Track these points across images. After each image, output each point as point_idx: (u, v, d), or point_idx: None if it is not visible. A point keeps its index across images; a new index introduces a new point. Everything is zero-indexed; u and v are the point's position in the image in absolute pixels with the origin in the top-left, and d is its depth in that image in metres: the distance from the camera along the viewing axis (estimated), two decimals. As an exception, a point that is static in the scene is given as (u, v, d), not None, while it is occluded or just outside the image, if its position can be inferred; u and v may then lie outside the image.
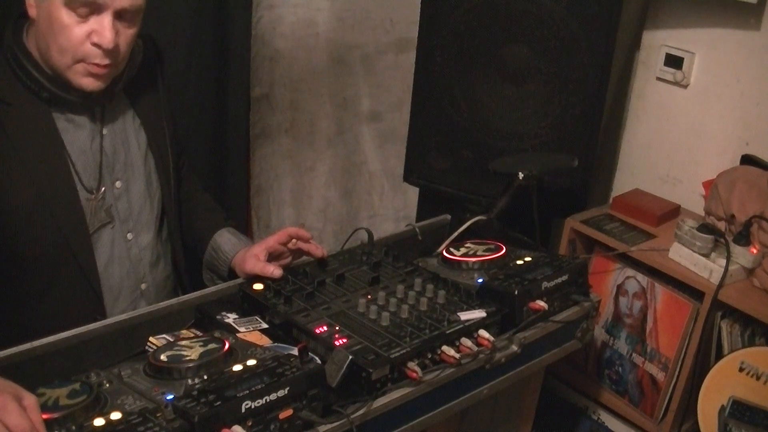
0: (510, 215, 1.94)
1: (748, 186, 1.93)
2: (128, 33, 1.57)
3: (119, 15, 1.54)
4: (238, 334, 1.45)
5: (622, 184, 2.43)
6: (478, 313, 1.53)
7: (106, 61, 1.55)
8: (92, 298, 1.66)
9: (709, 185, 2.08)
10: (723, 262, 1.85)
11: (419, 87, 2.23)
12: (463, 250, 1.81)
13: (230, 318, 1.53)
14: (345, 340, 1.42)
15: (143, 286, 1.76)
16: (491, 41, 2.08)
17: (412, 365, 1.39)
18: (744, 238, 1.88)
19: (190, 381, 1.27)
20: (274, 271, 1.62)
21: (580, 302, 1.70)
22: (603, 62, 2.01)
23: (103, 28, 1.52)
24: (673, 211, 2.19)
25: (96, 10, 1.51)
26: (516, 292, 1.57)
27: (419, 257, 1.85)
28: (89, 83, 1.57)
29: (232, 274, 1.74)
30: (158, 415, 1.15)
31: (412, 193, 2.63)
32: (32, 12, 1.55)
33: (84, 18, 1.52)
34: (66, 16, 1.51)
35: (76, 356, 1.41)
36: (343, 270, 1.68)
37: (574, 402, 2.25)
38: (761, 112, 2.10)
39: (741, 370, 1.80)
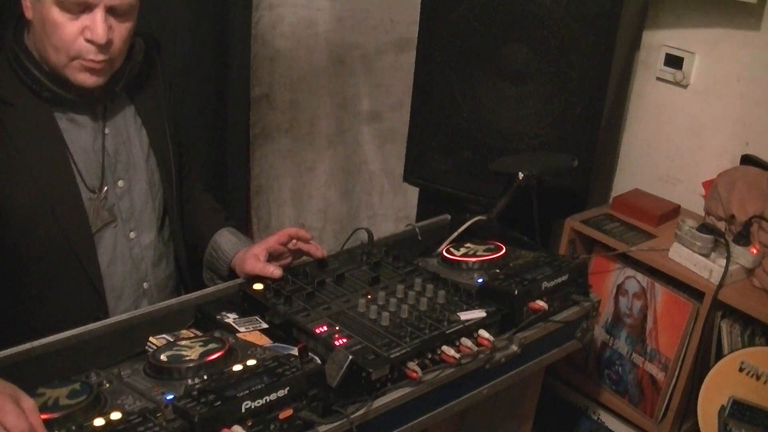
0: (510, 215, 1.94)
1: (748, 186, 1.93)
2: (122, 27, 1.57)
3: (111, 10, 1.53)
4: (238, 334, 1.45)
5: (622, 184, 2.43)
6: (478, 313, 1.53)
7: (101, 57, 1.55)
8: (95, 297, 1.66)
9: (709, 185, 2.08)
10: (723, 262, 1.85)
11: (419, 87, 2.23)
12: (463, 250, 1.80)
13: (230, 318, 1.53)
14: (345, 340, 1.42)
15: (145, 285, 1.76)
16: (491, 41, 2.08)
17: (412, 365, 1.39)
18: (744, 238, 1.88)
19: (190, 381, 1.27)
20: (274, 271, 1.62)
21: (580, 302, 1.70)
22: (603, 62, 2.01)
23: (95, 24, 1.51)
24: (673, 211, 2.18)
25: (87, 7, 1.51)
26: (516, 292, 1.57)
27: (419, 257, 1.84)
28: (86, 79, 1.57)
29: (232, 274, 1.74)
30: (158, 415, 1.15)
31: (412, 193, 2.63)
32: (28, 14, 1.55)
33: (76, 15, 1.51)
34: (58, 15, 1.50)
35: (76, 356, 1.40)
36: (343, 270, 1.68)
37: (574, 402, 2.25)
38: (761, 112, 2.10)
39: (741, 370, 1.80)
